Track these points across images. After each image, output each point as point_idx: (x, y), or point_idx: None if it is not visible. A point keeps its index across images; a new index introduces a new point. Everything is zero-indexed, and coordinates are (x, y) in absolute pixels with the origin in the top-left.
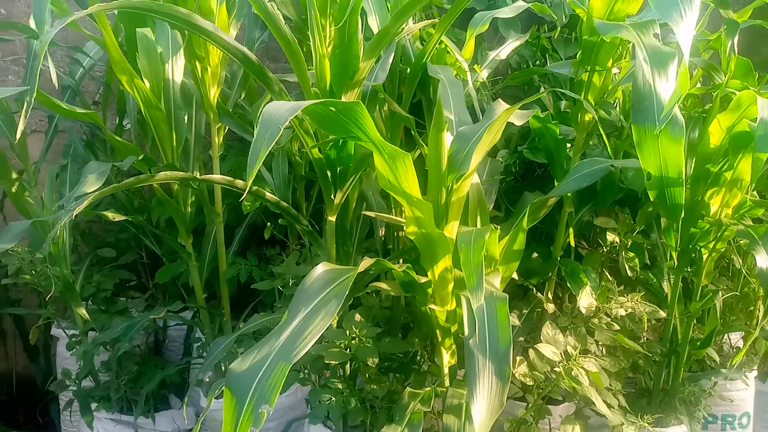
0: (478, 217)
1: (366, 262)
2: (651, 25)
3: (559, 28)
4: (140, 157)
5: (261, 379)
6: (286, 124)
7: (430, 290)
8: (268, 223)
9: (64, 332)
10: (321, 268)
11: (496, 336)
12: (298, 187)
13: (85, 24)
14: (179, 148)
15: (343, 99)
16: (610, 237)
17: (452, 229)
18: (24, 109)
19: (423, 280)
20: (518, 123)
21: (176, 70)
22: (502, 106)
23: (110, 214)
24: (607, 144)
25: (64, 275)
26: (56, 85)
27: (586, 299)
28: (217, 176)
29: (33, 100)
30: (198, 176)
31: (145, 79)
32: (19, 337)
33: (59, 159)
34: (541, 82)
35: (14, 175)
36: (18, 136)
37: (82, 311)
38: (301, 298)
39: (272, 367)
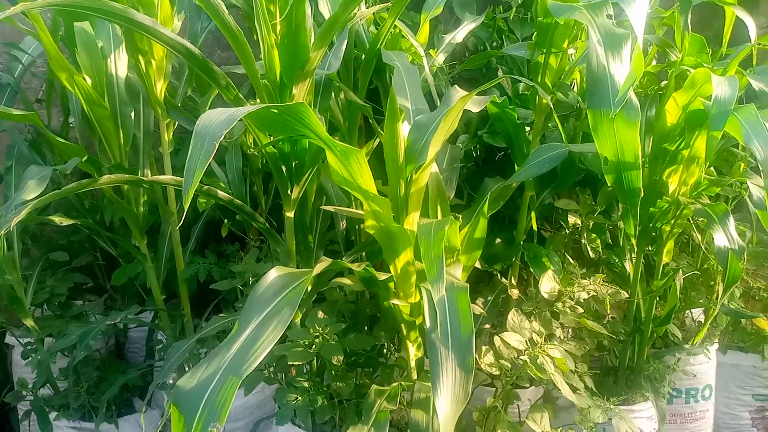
0: (439, 207)
1: (322, 264)
2: (604, 6)
3: (514, 9)
4: (84, 158)
5: (210, 396)
6: (222, 137)
7: (392, 285)
8: (225, 220)
9: (18, 341)
10: (273, 274)
11: (458, 327)
12: (256, 181)
13: (21, 19)
14: (127, 146)
15: (295, 90)
16: (572, 219)
17: (413, 221)
18: None
19: (384, 276)
20: (475, 110)
21: (119, 64)
22: (458, 92)
23: (57, 219)
24: (561, 129)
25: (10, 283)
26: None
27: (547, 284)
28: (165, 177)
29: None
30: (145, 178)
31: (86, 76)
32: None
33: (3, 159)
34: (498, 65)
35: None
36: None
37: (30, 322)
38: (253, 307)
39: (222, 382)
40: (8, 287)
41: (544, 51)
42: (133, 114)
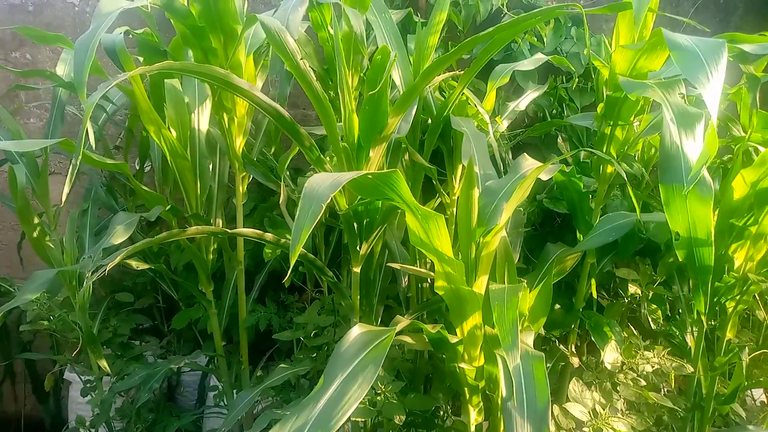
0: (506, 271)
1: (403, 323)
2: (676, 84)
3: (576, 79)
4: (168, 207)
5: None
6: (328, 200)
7: (461, 348)
8: (289, 270)
9: (78, 377)
10: (356, 331)
11: (534, 396)
12: (317, 233)
13: (109, 69)
14: (203, 196)
15: (372, 153)
16: (632, 288)
17: (481, 285)
18: (70, 174)
19: (455, 339)
20: (545, 178)
21: (202, 119)
22: (528, 161)
23: (134, 263)
24: (632, 197)
25: (87, 323)
26: (93, 145)
27: (611, 354)
28: (247, 230)
29: (78, 162)
30: (228, 230)
31: (171, 129)
32: (29, 378)
33: (80, 201)
34: (557, 131)
35: (36, 220)
36: (63, 199)
37: (103, 363)
38: (337, 363)
39: None
40: (87, 327)
41: (611, 123)
42: (210, 166)
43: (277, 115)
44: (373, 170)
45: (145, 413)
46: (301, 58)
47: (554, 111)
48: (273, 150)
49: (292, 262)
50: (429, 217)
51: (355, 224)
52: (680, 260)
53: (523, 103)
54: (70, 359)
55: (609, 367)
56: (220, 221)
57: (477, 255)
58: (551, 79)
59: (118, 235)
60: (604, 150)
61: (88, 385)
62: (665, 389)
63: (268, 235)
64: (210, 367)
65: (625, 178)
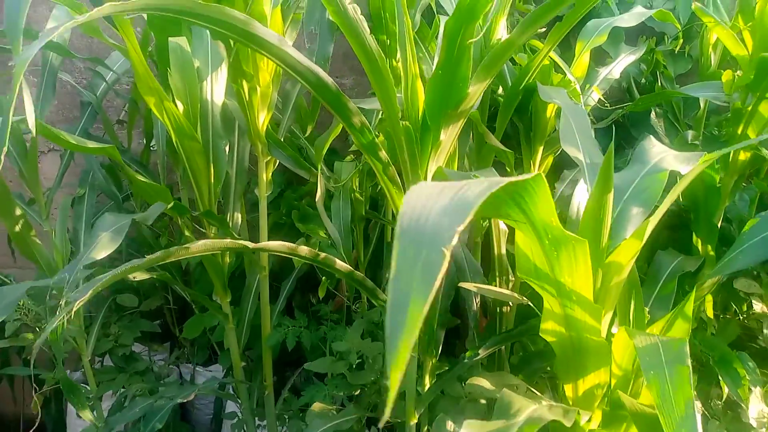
0: (633, 304)
1: (525, 410)
2: None
3: (680, 40)
4: (170, 204)
5: None
6: (455, 240)
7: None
8: (323, 278)
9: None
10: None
11: None
12: (356, 229)
13: (109, 31)
14: (218, 185)
15: (443, 135)
16: (758, 306)
17: (605, 326)
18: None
19: (583, 420)
20: (685, 170)
21: (216, 89)
22: (657, 146)
23: (132, 274)
24: None
25: (72, 335)
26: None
27: (756, 407)
28: (275, 244)
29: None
30: (251, 245)
31: (178, 101)
32: (29, 381)
33: (77, 184)
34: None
35: (18, 212)
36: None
37: (88, 415)
38: None
39: None
40: (72, 339)
41: (758, 95)
42: (227, 148)
43: (318, 81)
44: (442, 158)
45: None
46: (350, 2)
47: (643, 80)
48: (309, 131)
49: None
50: (564, 242)
51: None
52: None
53: (616, 69)
54: (62, 376)
55: (755, 423)
56: (238, 216)
57: (604, 285)
58: (644, 41)
59: (103, 247)
60: (740, 131)
61: (87, 398)
62: None
63: (303, 249)
64: (227, 391)
65: None
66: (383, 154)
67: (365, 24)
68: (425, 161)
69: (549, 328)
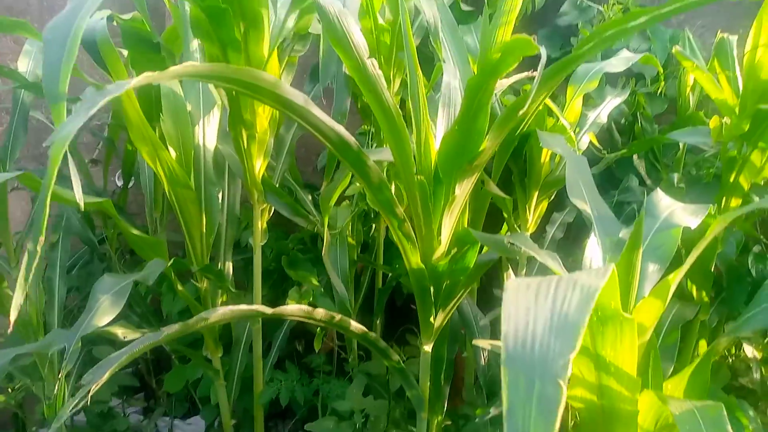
0: (651, 364)
1: None
2: None
3: (661, 82)
4: (170, 262)
5: None
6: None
7: None
8: (318, 329)
9: None
10: None
11: None
12: (348, 274)
13: (90, 71)
14: (211, 236)
15: (457, 191)
16: (749, 351)
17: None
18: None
19: None
20: (694, 225)
21: (209, 133)
22: (666, 199)
23: (120, 331)
24: None
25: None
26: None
27: None
28: (292, 308)
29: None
30: (268, 310)
31: (170, 148)
32: None
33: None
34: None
35: None
36: None
37: None
38: None
39: None
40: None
41: (752, 144)
42: (219, 195)
43: (340, 141)
44: (456, 212)
45: None
46: (369, 57)
47: (624, 121)
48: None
49: None
50: (612, 319)
51: (432, 288)
52: None
53: (604, 113)
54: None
55: None
56: (230, 265)
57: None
58: (632, 84)
59: (104, 313)
60: (732, 178)
61: None
62: None
63: (319, 312)
64: None
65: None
66: (399, 210)
67: (383, 80)
68: (438, 215)
69: (577, 395)
